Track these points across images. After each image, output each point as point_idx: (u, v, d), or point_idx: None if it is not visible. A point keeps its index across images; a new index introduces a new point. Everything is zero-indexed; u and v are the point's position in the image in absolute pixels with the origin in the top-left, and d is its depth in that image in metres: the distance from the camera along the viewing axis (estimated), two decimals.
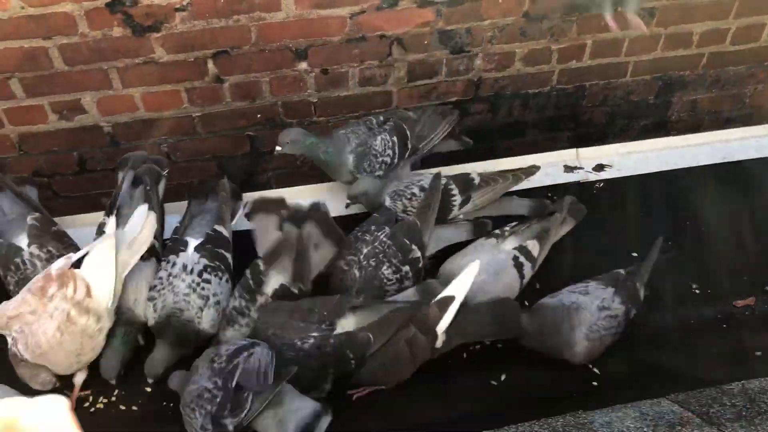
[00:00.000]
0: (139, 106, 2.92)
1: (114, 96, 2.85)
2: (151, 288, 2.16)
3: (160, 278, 2.16)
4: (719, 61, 3.31)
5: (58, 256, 2.15)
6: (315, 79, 2.96)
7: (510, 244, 2.27)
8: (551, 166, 2.70)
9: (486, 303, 2.09)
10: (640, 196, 2.72)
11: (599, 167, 2.77)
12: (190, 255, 2.18)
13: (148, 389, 2.15)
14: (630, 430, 1.61)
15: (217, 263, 2.18)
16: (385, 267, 2.20)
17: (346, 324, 2.00)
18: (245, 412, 1.78)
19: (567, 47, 3.09)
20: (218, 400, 1.78)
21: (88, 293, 2.01)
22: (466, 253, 2.26)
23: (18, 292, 2.05)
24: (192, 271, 2.14)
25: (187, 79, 2.86)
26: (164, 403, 2.10)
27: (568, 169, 2.76)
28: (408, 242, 2.24)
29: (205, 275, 2.13)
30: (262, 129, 3.12)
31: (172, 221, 2.44)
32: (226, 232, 2.30)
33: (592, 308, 2.04)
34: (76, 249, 2.23)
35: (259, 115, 3.06)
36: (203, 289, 2.11)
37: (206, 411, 1.78)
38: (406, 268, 2.22)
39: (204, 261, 2.17)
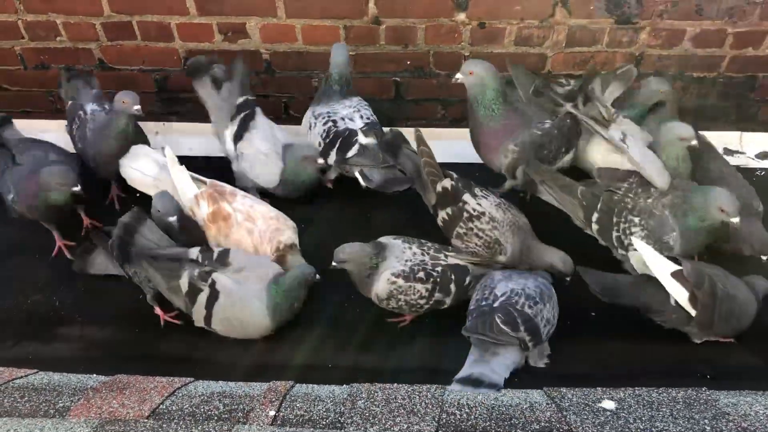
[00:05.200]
0: (298, 37, 3.03)
1: (277, 24, 2.97)
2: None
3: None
4: None
5: None
6: (471, 31, 2.94)
7: None
8: None
9: None
10: None
11: (764, 155, 2.58)
12: None
13: None
14: (758, 415, 1.50)
15: None
16: None
17: None
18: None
19: (745, 32, 2.87)
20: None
21: None
22: None
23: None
24: None
25: (347, 16, 2.93)
26: None
27: (728, 152, 2.58)
28: None
29: None
30: (409, 76, 3.15)
31: None
32: None
33: None
34: None
35: (408, 62, 3.09)
36: None
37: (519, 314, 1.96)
38: None
39: None
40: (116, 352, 2.11)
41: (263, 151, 2.58)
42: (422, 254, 2.14)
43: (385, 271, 2.10)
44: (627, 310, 2.07)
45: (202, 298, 2.06)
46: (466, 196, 2.31)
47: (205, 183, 2.43)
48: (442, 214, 2.32)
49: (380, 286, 2.10)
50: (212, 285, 2.06)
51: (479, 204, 2.29)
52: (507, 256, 2.25)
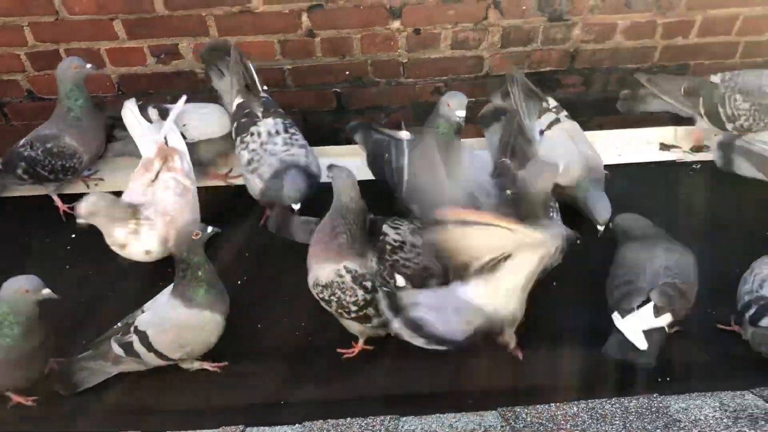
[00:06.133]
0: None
1: None
2: (249, 162, 2.38)
3: (253, 150, 2.37)
4: None
5: None
6: (406, 38, 2.92)
7: None
8: (646, 144, 2.56)
9: None
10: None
11: (698, 148, 2.63)
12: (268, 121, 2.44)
13: None
14: (708, 419, 1.53)
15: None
16: None
17: None
18: None
19: (673, 22, 2.92)
20: None
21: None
22: None
23: None
24: (278, 132, 2.40)
25: (281, 31, 2.88)
26: None
27: (665, 147, 2.63)
28: None
29: (291, 129, 2.43)
30: (349, 87, 3.12)
31: None
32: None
33: None
34: None
35: (347, 72, 3.06)
36: (297, 139, 2.40)
37: None
38: None
39: (280, 120, 2.44)
40: (55, 408, 2.01)
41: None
42: (377, 271, 2.07)
43: (342, 262, 2.03)
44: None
45: (137, 345, 2.00)
46: (385, 227, 2.20)
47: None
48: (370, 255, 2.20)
49: (326, 271, 2.03)
50: (136, 330, 2.02)
51: (398, 234, 2.19)
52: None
